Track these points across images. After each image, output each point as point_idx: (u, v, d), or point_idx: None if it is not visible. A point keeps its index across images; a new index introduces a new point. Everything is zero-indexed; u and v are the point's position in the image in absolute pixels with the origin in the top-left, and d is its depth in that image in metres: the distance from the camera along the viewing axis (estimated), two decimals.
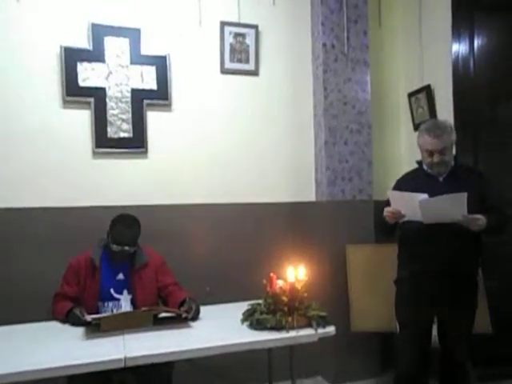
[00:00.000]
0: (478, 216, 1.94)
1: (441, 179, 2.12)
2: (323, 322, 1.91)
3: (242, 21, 2.95)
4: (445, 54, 2.89)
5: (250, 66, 2.99)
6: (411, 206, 1.97)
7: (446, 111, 2.85)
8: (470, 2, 2.88)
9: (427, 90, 2.98)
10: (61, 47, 2.59)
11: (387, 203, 2.14)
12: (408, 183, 2.18)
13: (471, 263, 2.12)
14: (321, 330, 1.89)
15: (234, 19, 2.94)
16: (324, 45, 2.96)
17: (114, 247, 2.15)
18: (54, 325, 2.05)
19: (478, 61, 2.91)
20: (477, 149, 2.88)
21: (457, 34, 2.86)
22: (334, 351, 2.87)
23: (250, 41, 2.97)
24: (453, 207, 1.91)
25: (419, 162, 2.22)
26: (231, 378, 2.46)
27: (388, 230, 2.22)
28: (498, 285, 2.69)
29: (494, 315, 2.49)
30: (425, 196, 1.94)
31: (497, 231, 2.07)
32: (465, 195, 1.87)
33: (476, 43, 2.91)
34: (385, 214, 2.09)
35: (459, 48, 2.88)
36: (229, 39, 2.93)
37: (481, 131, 2.89)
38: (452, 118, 2.84)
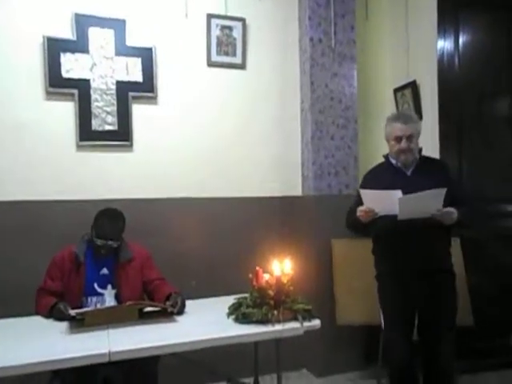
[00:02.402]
0: (452, 209, 1.96)
1: (409, 173, 2.13)
2: (309, 315, 1.92)
3: (229, 13, 2.93)
4: (430, 50, 2.91)
5: (237, 60, 2.97)
6: (385, 203, 1.96)
7: (430, 107, 2.88)
8: (455, 0, 2.91)
9: (413, 86, 3.00)
10: (44, 37, 2.54)
11: (356, 201, 2.13)
12: (376, 179, 2.17)
13: (446, 256, 2.14)
14: (306, 324, 1.90)
15: (221, 12, 2.91)
16: (311, 39, 2.96)
17: (98, 241, 2.12)
18: (38, 320, 2.02)
19: (463, 58, 2.95)
20: (461, 145, 2.92)
21: (442, 30, 2.89)
22: (320, 344, 2.89)
23: (237, 34, 2.94)
24: (431, 203, 1.92)
25: (386, 156, 2.22)
26: (217, 371, 2.46)
27: (362, 228, 2.18)
28: (480, 280, 2.74)
29: (475, 309, 2.55)
30: (399, 192, 1.92)
31: (466, 224, 2.10)
32: (444, 191, 1.89)
33: (461, 40, 2.95)
34: (358, 214, 2.06)
35: (444, 45, 2.91)
36: (215, 32, 2.90)
37: (465, 128, 2.93)
38: (437, 114, 2.87)
